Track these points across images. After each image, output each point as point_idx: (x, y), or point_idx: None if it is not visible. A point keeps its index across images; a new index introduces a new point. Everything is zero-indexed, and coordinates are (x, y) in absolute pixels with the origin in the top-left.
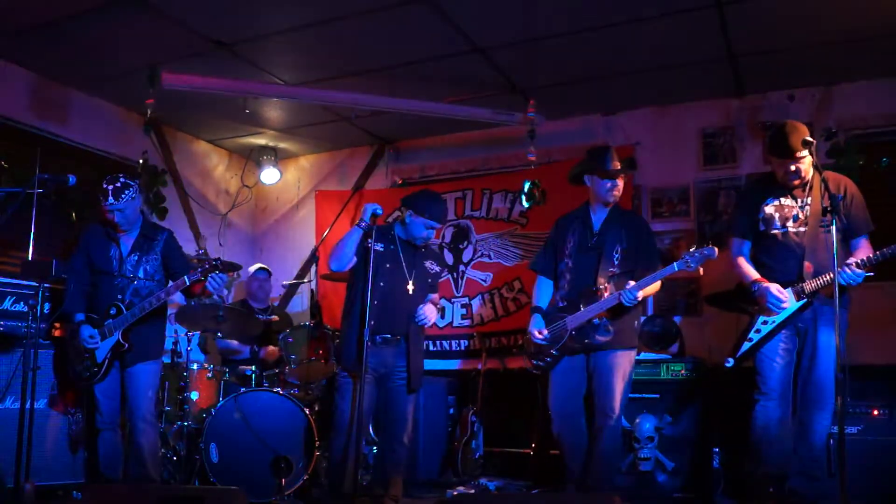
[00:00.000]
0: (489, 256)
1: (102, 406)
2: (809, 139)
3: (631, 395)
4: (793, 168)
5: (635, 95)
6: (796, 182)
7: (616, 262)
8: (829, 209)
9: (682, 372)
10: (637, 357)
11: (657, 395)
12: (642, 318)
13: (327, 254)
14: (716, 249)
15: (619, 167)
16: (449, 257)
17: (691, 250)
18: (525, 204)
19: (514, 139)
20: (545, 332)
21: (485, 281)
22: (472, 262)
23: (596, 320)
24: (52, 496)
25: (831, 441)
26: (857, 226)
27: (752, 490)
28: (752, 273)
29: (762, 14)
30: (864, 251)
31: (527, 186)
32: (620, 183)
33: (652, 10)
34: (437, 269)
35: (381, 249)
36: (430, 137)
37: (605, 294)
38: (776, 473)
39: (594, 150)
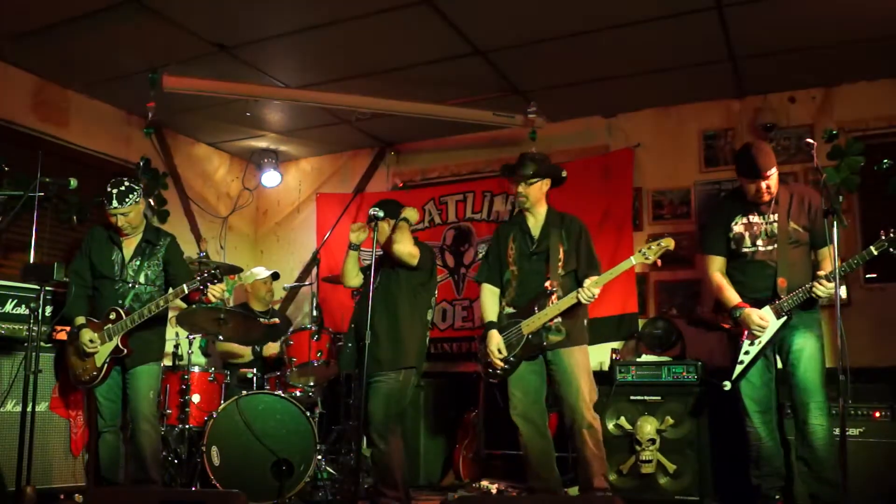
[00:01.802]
0: None
1: (103, 409)
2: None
3: (633, 398)
4: (764, 185)
5: (636, 97)
6: (766, 199)
7: (560, 264)
8: (829, 211)
9: (684, 374)
10: (638, 359)
11: (659, 398)
12: (645, 321)
13: (329, 257)
14: (672, 241)
15: (521, 173)
16: (450, 259)
17: (648, 243)
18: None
19: (516, 141)
20: (504, 349)
21: None
22: (474, 265)
23: (548, 322)
24: (53, 499)
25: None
26: (822, 236)
27: (758, 496)
28: (733, 297)
29: (763, 16)
30: (831, 259)
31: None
32: (526, 189)
33: (653, 11)
34: None
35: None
36: (431, 140)
37: (554, 297)
38: (779, 482)
39: (518, 158)
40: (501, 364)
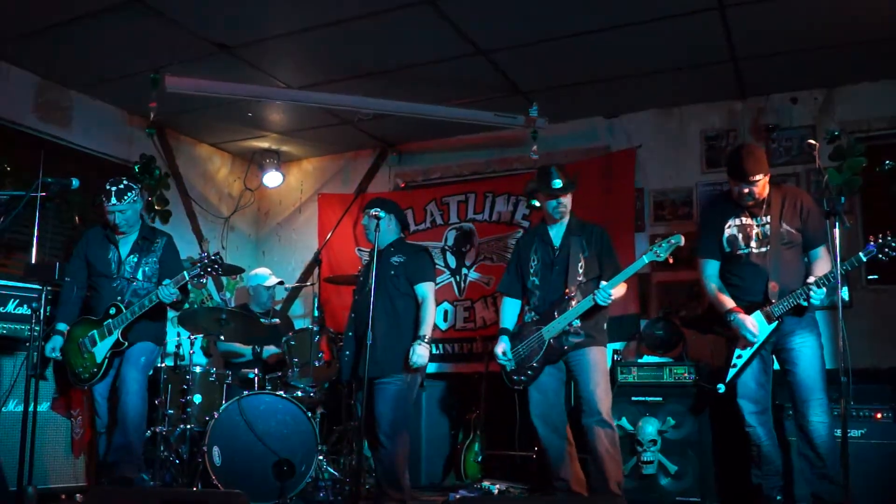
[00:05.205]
0: (492, 259)
1: (100, 409)
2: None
3: (634, 398)
4: (746, 190)
5: (638, 98)
6: (750, 203)
7: (581, 271)
8: (830, 213)
9: (685, 375)
10: (640, 360)
11: (660, 399)
12: (646, 322)
13: (330, 257)
14: (682, 237)
15: (561, 185)
16: (452, 260)
17: (658, 241)
18: (527, 209)
19: (517, 142)
20: (509, 353)
21: (487, 284)
22: (475, 265)
23: (567, 326)
24: (54, 499)
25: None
26: (815, 238)
27: (759, 496)
28: (728, 302)
29: (765, 16)
30: (822, 261)
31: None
32: (565, 199)
33: (654, 12)
34: (402, 258)
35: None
36: (433, 140)
37: (574, 301)
38: (780, 481)
39: (539, 172)
40: (505, 364)
